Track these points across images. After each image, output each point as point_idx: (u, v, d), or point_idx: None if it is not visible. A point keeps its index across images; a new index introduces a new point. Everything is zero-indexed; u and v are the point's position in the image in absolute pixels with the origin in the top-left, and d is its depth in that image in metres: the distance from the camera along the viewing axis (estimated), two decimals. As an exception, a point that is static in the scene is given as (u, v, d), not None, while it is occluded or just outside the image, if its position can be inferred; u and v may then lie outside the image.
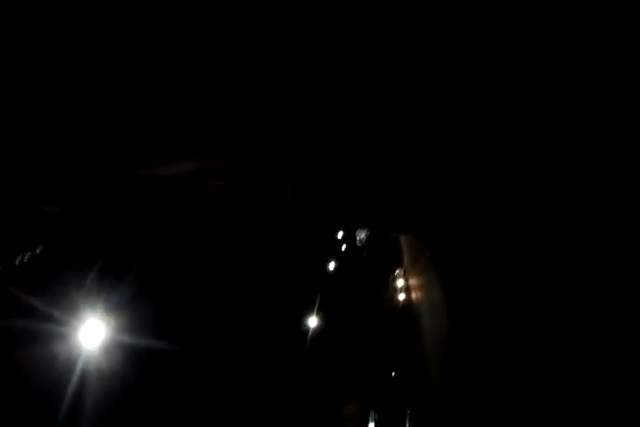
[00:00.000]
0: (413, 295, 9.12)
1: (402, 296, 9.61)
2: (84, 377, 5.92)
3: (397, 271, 10.70)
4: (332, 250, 10.36)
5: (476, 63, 3.84)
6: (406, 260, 10.30)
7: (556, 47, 3.40)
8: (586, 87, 3.52)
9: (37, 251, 5.93)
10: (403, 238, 10.41)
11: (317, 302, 8.62)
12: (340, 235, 10.96)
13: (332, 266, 10.25)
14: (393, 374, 7.87)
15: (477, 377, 5.44)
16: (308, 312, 8.50)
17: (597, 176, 3.74)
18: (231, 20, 3.46)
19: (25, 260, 5.76)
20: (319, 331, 8.37)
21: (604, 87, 3.37)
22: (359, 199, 7.37)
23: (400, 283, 9.97)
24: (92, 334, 6.02)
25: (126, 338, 6.36)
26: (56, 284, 5.89)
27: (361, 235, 11.10)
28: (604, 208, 3.59)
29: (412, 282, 9.40)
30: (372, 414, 7.33)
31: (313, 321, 8.51)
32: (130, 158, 5.06)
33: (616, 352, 3.11)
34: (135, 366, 6.38)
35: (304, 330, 8.25)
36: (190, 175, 5.78)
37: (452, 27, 3.47)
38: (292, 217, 7.38)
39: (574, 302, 3.63)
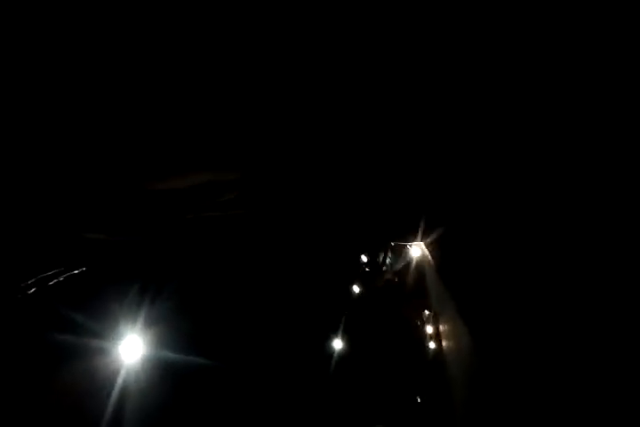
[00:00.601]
0: (440, 325, 8.91)
1: (428, 326, 9.35)
2: (123, 392, 6.13)
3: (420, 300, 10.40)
4: (356, 273, 10.36)
5: (474, 65, 3.86)
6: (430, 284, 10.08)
7: (555, 47, 3.42)
8: (585, 87, 3.52)
9: (78, 270, 6.25)
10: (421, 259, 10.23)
11: (342, 324, 8.63)
12: (363, 258, 10.91)
13: (356, 289, 10.21)
14: (418, 399, 7.72)
15: (501, 405, 5.34)
16: (333, 334, 8.52)
17: (598, 184, 3.73)
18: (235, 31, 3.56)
19: (67, 278, 6.08)
20: (344, 354, 8.39)
21: (604, 87, 3.38)
22: (375, 212, 7.43)
23: (425, 314, 9.72)
24: (131, 349, 6.29)
25: (164, 354, 6.57)
26: (97, 301, 6.19)
27: (383, 257, 10.98)
28: (609, 219, 3.57)
29: (438, 313, 9.17)
30: None
31: (338, 344, 8.51)
32: (140, 173, 5.18)
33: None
34: (173, 382, 6.56)
35: (329, 352, 8.28)
36: (203, 188, 5.91)
37: (452, 27, 3.50)
38: (310, 236, 7.57)
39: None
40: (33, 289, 5.17)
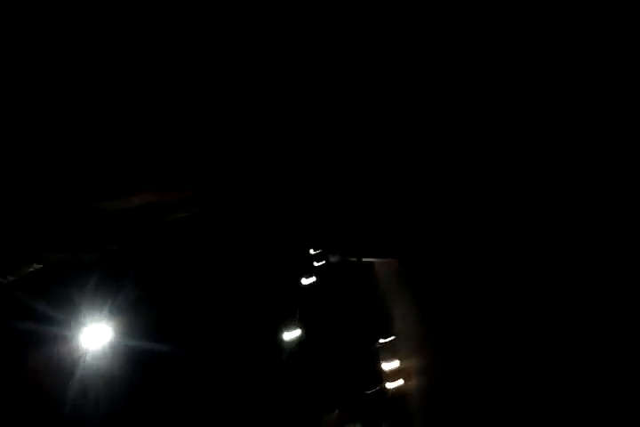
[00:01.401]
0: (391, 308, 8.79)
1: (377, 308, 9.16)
2: (86, 378, 6.24)
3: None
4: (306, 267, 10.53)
5: (472, 67, 3.85)
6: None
7: (555, 47, 3.42)
8: (585, 88, 3.59)
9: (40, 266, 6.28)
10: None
11: (296, 314, 8.87)
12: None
13: (306, 281, 10.35)
14: (373, 387, 7.99)
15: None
16: (288, 323, 8.75)
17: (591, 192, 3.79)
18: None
19: (32, 269, 6.11)
20: (298, 342, 8.63)
21: (604, 87, 3.47)
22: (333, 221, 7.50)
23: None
24: (94, 336, 6.39)
25: (126, 341, 6.71)
26: (60, 290, 6.25)
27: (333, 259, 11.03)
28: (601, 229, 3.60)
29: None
30: (354, 424, 7.49)
31: (292, 333, 8.72)
32: (90, 193, 5.18)
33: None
34: (135, 368, 6.70)
35: (283, 340, 8.52)
36: (151, 207, 5.96)
37: (452, 27, 3.51)
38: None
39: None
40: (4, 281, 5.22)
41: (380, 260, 9.80)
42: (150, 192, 5.71)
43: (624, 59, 3.12)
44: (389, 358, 7.69)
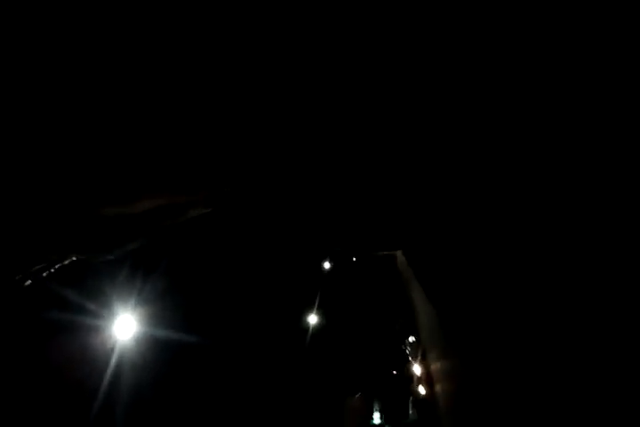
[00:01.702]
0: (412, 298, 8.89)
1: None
2: (117, 367, 6.42)
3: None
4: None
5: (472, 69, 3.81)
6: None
7: (555, 47, 3.39)
8: (585, 88, 3.48)
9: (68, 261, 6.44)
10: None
11: (317, 301, 8.99)
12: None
13: (327, 267, 10.46)
14: (394, 371, 8.13)
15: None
16: (309, 310, 8.89)
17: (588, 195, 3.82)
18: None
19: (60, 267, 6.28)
20: (320, 328, 8.76)
21: (604, 87, 3.35)
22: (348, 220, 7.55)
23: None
24: (123, 326, 6.57)
25: (155, 330, 6.89)
26: (93, 282, 6.43)
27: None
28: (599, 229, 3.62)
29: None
30: (376, 405, 7.62)
31: (313, 319, 8.86)
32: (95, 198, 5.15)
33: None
34: (165, 357, 6.89)
35: (305, 327, 8.66)
36: (162, 209, 5.95)
37: (452, 27, 3.45)
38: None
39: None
40: (28, 281, 5.39)
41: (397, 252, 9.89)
42: (160, 195, 5.77)
43: (624, 59, 3.15)
44: (414, 354, 7.84)
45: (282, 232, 8.64)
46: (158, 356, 6.87)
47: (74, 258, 6.30)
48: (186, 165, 5.18)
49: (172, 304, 7.20)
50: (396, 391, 7.72)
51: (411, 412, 7.24)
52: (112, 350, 6.47)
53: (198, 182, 5.86)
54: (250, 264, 8.31)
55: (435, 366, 7.48)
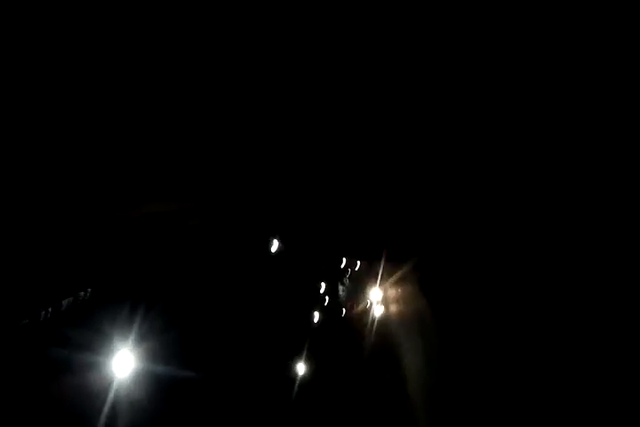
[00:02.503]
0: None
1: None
2: (115, 401, 6.79)
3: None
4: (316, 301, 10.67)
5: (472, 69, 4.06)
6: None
7: (555, 47, 3.56)
8: (585, 88, 3.69)
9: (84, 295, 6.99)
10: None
11: (305, 349, 9.07)
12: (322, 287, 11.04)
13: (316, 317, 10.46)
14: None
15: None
16: (297, 359, 8.98)
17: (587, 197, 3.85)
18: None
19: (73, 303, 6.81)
20: (307, 376, 8.86)
21: (604, 88, 3.54)
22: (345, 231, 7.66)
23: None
24: (123, 363, 6.98)
25: (153, 367, 7.26)
26: (92, 320, 6.93)
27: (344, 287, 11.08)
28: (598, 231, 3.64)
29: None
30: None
31: (301, 368, 8.97)
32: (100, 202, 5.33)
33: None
34: (163, 391, 7.23)
35: (293, 376, 8.78)
36: (161, 216, 6.11)
37: (452, 27, 3.62)
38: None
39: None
40: (44, 316, 5.90)
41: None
42: (155, 203, 5.95)
43: (624, 59, 3.34)
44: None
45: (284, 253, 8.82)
46: (157, 389, 7.21)
47: (77, 294, 6.76)
48: (182, 172, 5.43)
49: (169, 340, 7.58)
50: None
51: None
52: (111, 384, 6.86)
53: (195, 189, 6.06)
54: (241, 301, 8.65)
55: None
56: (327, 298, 10.51)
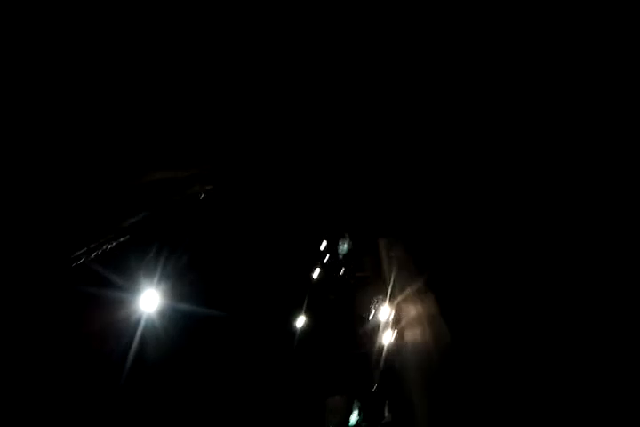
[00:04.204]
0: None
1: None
2: (142, 338, 7.15)
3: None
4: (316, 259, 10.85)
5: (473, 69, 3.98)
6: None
7: (555, 47, 3.47)
8: (585, 88, 3.58)
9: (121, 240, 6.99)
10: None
11: (304, 304, 9.34)
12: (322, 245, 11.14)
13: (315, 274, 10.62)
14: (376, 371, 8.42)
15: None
16: (296, 313, 9.28)
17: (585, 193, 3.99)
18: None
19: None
20: (306, 331, 9.19)
21: (604, 88, 3.48)
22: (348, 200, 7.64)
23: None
24: (149, 300, 7.25)
25: (178, 304, 7.59)
26: (122, 260, 7.03)
27: (343, 246, 11.24)
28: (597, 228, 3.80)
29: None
30: (355, 404, 8.10)
31: (300, 321, 9.28)
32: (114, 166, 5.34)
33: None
34: (186, 328, 7.64)
35: (293, 329, 9.13)
36: (171, 181, 6.16)
37: (452, 27, 3.54)
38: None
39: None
40: (82, 259, 5.91)
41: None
42: (163, 170, 6.00)
43: (624, 59, 3.31)
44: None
45: (282, 213, 8.97)
46: (180, 326, 7.60)
47: (108, 243, 6.78)
48: (188, 141, 5.46)
49: (191, 279, 7.84)
50: (375, 393, 8.07)
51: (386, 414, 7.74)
52: (138, 321, 7.16)
53: (200, 157, 6.14)
54: (257, 240, 8.91)
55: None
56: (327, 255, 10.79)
